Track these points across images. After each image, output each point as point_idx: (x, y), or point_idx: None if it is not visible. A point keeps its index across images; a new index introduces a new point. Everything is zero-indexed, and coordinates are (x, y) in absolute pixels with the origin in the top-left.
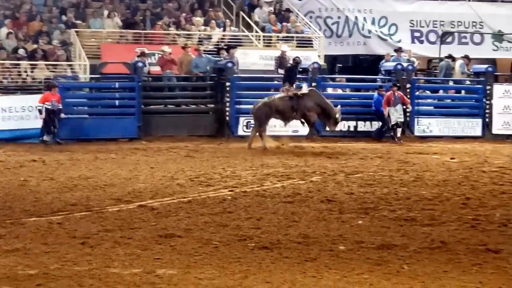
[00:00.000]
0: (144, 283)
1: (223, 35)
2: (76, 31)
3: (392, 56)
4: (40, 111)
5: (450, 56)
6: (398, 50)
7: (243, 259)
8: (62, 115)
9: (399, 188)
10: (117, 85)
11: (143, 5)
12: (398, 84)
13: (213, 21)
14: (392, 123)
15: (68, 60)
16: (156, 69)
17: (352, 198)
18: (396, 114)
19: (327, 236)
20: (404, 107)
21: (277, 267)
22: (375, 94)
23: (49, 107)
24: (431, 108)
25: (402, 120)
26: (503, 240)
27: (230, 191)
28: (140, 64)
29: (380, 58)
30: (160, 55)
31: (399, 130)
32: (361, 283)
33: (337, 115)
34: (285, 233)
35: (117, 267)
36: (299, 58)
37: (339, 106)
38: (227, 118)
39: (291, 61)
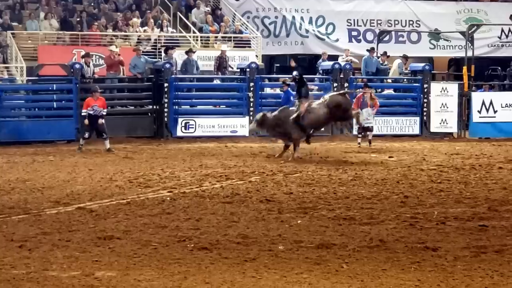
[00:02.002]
0: (83, 285)
1: (159, 36)
2: (12, 33)
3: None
4: (84, 117)
5: (384, 54)
6: (371, 50)
7: (183, 260)
8: (100, 121)
9: (338, 187)
10: (54, 87)
11: (80, 6)
12: (368, 85)
13: (152, 22)
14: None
15: (4, 62)
16: (101, 70)
17: (291, 198)
18: (361, 118)
19: (266, 236)
20: (370, 111)
21: (216, 268)
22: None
23: (91, 112)
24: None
25: (371, 124)
26: (441, 238)
27: (169, 192)
28: (77, 66)
29: (317, 57)
30: (111, 53)
31: (370, 134)
32: (300, 283)
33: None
34: (224, 233)
35: (56, 270)
36: (296, 73)
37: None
38: (166, 119)
39: (231, 62)
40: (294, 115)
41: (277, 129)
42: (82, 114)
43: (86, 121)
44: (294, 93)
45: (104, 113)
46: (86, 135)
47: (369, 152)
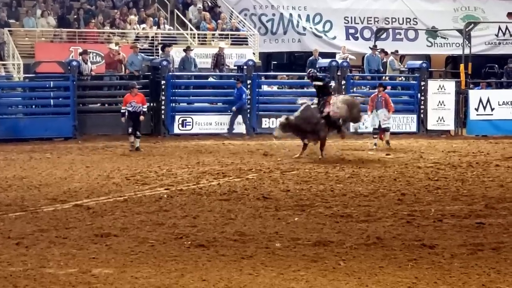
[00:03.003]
0: (79, 283)
1: (155, 33)
2: (9, 30)
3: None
4: (123, 114)
5: (382, 51)
6: (373, 48)
7: (180, 258)
8: (141, 117)
9: (335, 184)
10: (51, 84)
11: (77, 4)
12: (384, 85)
13: (150, 19)
14: (373, 126)
15: (1, 60)
16: (98, 68)
17: (288, 195)
18: (376, 119)
19: (263, 233)
20: (386, 112)
21: (213, 265)
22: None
23: (130, 109)
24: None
25: (388, 125)
26: (438, 235)
27: (166, 189)
28: (74, 63)
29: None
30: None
31: (387, 134)
32: (298, 280)
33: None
34: (221, 231)
35: (53, 267)
36: (311, 71)
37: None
38: (163, 116)
39: (229, 59)
40: (324, 113)
41: (302, 129)
42: (122, 111)
43: (123, 119)
44: (247, 91)
45: (144, 109)
46: (130, 130)
47: (367, 150)
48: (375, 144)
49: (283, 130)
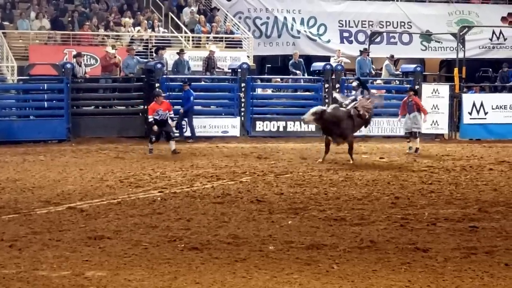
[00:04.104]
0: (73, 285)
1: (150, 36)
2: (3, 32)
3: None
4: (152, 123)
5: (365, 51)
6: (364, 51)
7: (173, 260)
8: (170, 122)
9: (329, 188)
10: (45, 86)
11: (71, 6)
12: (414, 89)
13: (145, 22)
14: (406, 130)
15: None
16: (93, 70)
17: (281, 198)
18: (408, 123)
19: (257, 236)
20: (420, 115)
21: (207, 268)
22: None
23: (157, 117)
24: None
25: (419, 129)
26: (431, 239)
27: (159, 192)
28: (68, 66)
29: (308, 58)
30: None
31: (417, 141)
32: (291, 283)
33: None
34: (215, 233)
35: (46, 269)
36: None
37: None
38: None
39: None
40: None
41: (332, 127)
42: (149, 120)
43: (155, 128)
44: (194, 93)
45: (171, 115)
46: (153, 138)
47: (360, 153)
48: (410, 148)
49: (315, 119)
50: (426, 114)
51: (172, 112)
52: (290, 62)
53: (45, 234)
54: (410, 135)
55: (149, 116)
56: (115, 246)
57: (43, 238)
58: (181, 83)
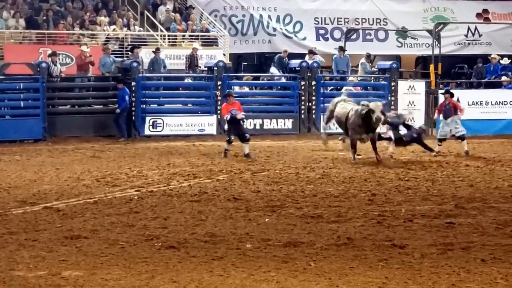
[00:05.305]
0: (49, 285)
1: (125, 35)
2: None
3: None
4: (225, 122)
5: (341, 49)
6: (340, 49)
7: (150, 259)
8: (240, 116)
9: (306, 185)
10: (22, 86)
11: (46, 5)
12: (450, 92)
13: (120, 21)
14: (439, 137)
15: None
16: (68, 69)
17: (258, 196)
18: (446, 129)
19: (234, 234)
20: (457, 117)
21: (184, 267)
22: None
23: (232, 115)
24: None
25: (462, 132)
26: (408, 235)
27: (136, 191)
28: (44, 65)
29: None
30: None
31: (465, 143)
32: (268, 281)
33: None
34: (192, 232)
35: (22, 269)
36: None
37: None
38: (133, 118)
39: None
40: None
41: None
42: (225, 118)
43: (226, 126)
44: (128, 93)
45: (243, 116)
46: (232, 138)
47: (337, 150)
48: (437, 152)
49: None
50: (462, 112)
51: (243, 112)
52: (279, 55)
53: (21, 234)
54: (444, 139)
55: (224, 116)
56: (92, 246)
57: (19, 238)
58: (115, 82)
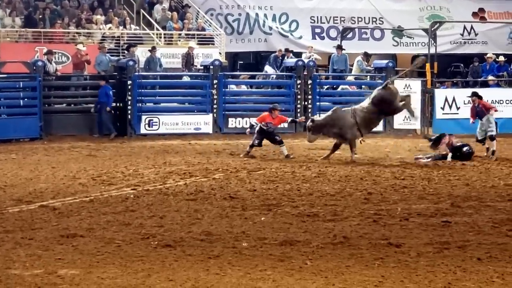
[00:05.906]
0: (45, 284)
1: (121, 33)
2: None
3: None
4: (251, 127)
5: (339, 47)
6: (338, 47)
7: (146, 258)
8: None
9: (302, 184)
10: (21, 84)
11: (42, 4)
12: (478, 94)
13: (116, 19)
14: (480, 138)
15: None
16: (64, 68)
17: (255, 195)
18: (483, 128)
19: (230, 233)
20: (489, 114)
21: (180, 265)
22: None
23: (264, 127)
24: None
25: (493, 132)
26: (404, 234)
27: (132, 189)
28: (40, 63)
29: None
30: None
31: (494, 144)
32: (264, 280)
33: None
34: (188, 230)
35: (18, 268)
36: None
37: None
38: (129, 116)
39: (196, 60)
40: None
41: (331, 129)
42: (253, 123)
43: (248, 131)
44: (111, 89)
45: (273, 131)
46: (256, 142)
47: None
48: (492, 151)
49: (314, 133)
50: (494, 110)
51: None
52: (274, 54)
53: (17, 232)
54: (483, 140)
55: (257, 122)
56: (88, 244)
57: (15, 237)
58: (99, 80)
